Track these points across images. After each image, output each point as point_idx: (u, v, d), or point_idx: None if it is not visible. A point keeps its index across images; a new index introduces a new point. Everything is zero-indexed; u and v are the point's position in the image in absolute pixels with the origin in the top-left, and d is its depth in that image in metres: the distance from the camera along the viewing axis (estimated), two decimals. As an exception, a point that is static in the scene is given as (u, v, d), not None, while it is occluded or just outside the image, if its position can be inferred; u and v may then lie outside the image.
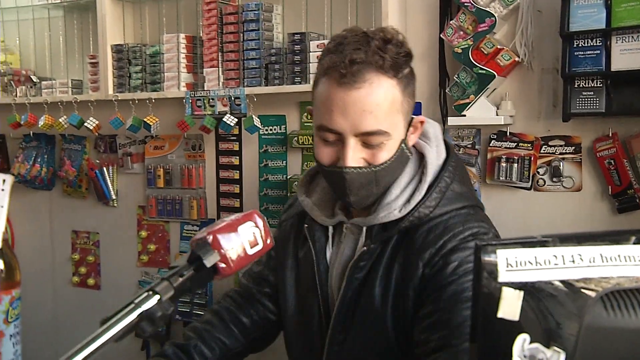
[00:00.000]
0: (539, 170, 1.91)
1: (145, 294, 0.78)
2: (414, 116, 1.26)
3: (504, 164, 1.94)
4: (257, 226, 0.89)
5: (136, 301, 0.76)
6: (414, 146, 1.29)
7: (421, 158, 1.29)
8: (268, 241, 0.90)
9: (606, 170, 1.81)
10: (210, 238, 0.84)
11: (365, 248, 1.25)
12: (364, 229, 1.27)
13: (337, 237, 1.35)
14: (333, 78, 1.16)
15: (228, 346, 1.44)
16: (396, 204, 1.23)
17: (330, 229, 1.35)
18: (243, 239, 0.87)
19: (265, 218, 0.91)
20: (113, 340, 0.73)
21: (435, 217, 1.22)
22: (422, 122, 1.28)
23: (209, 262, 0.83)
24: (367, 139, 1.18)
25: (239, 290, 1.54)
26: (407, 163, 1.26)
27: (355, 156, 1.18)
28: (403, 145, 1.22)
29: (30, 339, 1.40)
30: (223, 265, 0.84)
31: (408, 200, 1.22)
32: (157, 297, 0.78)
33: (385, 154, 1.19)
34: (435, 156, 1.27)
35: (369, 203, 1.26)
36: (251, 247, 0.87)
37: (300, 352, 1.43)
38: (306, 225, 1.37)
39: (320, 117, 1.21)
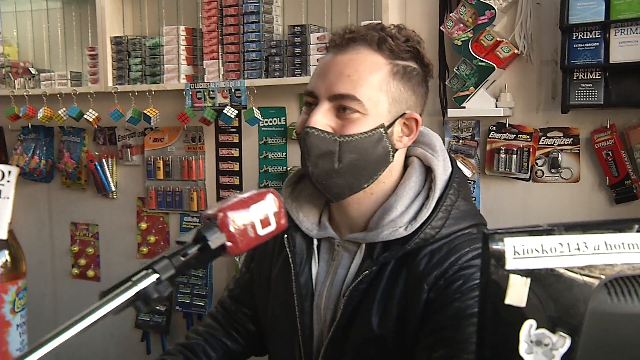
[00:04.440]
0: (537, 161, 1.94)
1: (144, 272, 0.74)
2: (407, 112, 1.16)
3: (503, 155, 1.96)
4: (271, 205, 0.83)
5: (134, 279, 0.73)
6: (419, 158, 1.21)
7: (427, 171, 1.20)
8: (282, 221, 0.84)
9: (604, 161, 1.84)
10: (220, 216, 0.79)
11: (367, 272, 1.14)
12: (363, 246, 1.17)
13: (326, 255, 1.23)
14: (329, 49, 1.18)
15: (230, 348, 1.39)
16: (401, 220, 1.13)
17: (315, 241, 1.23)
18: (255, 218, 0.81)
19: (281, 197, 0.85)
20: (111, 314, 0.71)
21: (440, 239, 1.13)
22: (417, 121, 1.17)
23: (214, 243, 0.78)
24: (340, 104, 1.11)
25: (221, 308, 1.45)
26: (385, 162, 1.16)
27: (322, 120, 1.12)
28: (384, 134, 1.12)
29: (29, 331, 1.41)
30: (230, 244, 0.80)
31: (414, 218, 1.13)
32: (155, 275, 0.74)
33: (355, 128, 1.11)
34: (442, 170, 1.17)
35: (335, 192, 1.15)
36: (263, 228, 0.82)
37: None
38: (285, 236, 1.23)
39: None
